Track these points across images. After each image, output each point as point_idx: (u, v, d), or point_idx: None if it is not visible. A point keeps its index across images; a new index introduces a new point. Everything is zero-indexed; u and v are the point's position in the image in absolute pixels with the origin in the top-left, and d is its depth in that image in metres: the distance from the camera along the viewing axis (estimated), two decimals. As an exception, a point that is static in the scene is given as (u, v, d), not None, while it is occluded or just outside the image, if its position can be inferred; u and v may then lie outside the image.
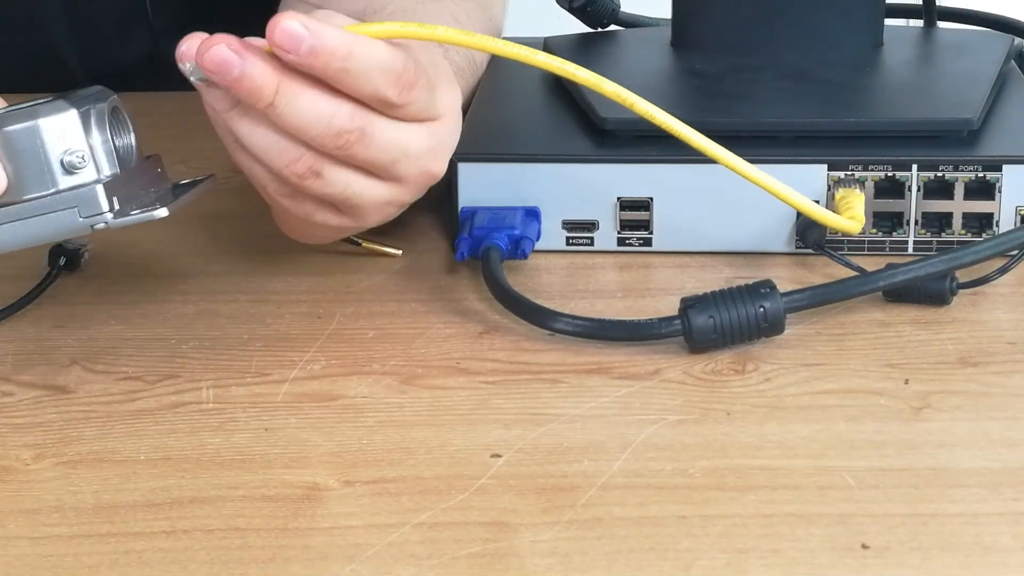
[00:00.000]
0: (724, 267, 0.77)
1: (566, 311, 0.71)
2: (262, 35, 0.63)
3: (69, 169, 0.62)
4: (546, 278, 0.77)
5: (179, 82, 1.11)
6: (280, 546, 0.56)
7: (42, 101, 0.63)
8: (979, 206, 0.77)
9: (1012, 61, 0.89)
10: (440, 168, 0.69)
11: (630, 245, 0.79)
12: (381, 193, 0.68)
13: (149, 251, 0.82)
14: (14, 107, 0.63)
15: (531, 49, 0.66)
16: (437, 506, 0.58)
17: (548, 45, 0.92)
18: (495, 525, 0.57)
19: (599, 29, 0.97)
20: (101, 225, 0.63)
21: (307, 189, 0.66)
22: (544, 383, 0.67)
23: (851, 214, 0.75)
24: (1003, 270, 0.74)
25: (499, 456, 0.61)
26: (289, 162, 0.65)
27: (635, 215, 0.78)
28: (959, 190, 0.76)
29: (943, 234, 0.77)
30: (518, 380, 0.67)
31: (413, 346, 0.70)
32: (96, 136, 0.63)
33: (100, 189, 0.63)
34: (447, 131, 0.69)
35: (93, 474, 0.61)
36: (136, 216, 0.63)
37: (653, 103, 0.85)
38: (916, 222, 0.77)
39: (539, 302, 0.71)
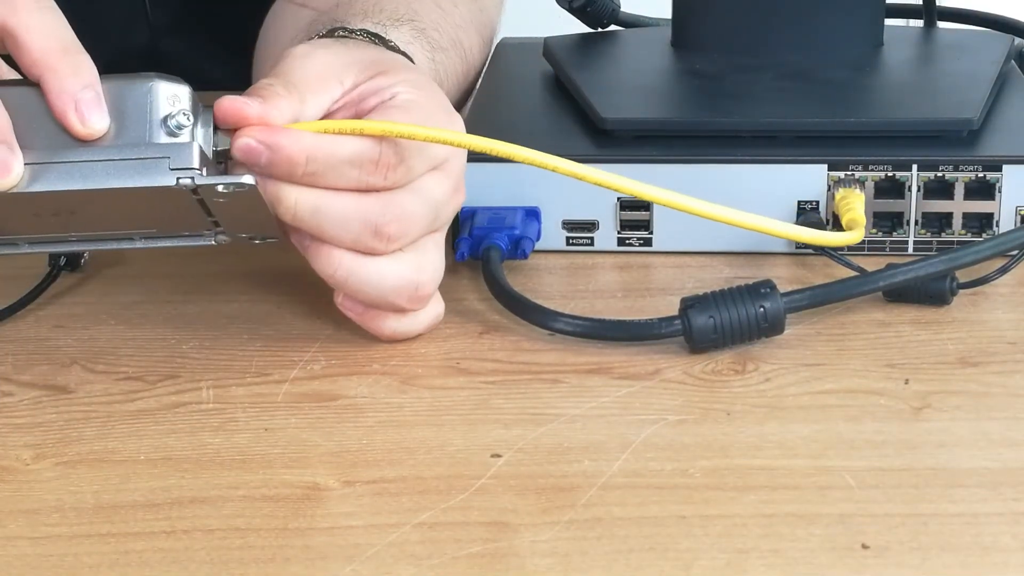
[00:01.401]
0: (724, 267, 0.77)
1: (566, 311, 0.71)
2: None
3: (171, 130, 0.63)
4: (546, 278, 0.77)
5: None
6: (280, 546, 0.56)
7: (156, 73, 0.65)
8: (979, 206, 0.77)
9: (1012, 61, 0.89)
10: (461, 199, 0.70)
11: (630, 245, 0.79)
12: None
13: (149, 251, 0.82)
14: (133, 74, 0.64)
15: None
16: (437, 506, 0.58)
17: (548, 45, 0.92)
18: (495, 525, 0.57)
19: (599, 29, 0.97)
20: (187, 180, 0.62)
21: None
22: (544, 383, 0.67)
23: (851, 216, 0.75)
24: (1003, 270, 0.74)
25: (499, 456, 0.61)
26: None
27: (635, 215, 0.78)
28: (959, 190, 0.76)
29: (943, 234, 0.77)
30: (518, 380, 0.67)
31: (413, 346, 0.70)
32: (200, 124, 0.64)
33: (196, 147, 0.63)
34: (458, 168, 0.69)
35: (93, 474, 0.61)
36: (224, 178, 0.63)
37: (653, 103, 0.85)
38: (916, 222, 0.77)
39: (539, 302, 0.71)
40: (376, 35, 0.76)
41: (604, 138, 0.80)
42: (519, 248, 0.76)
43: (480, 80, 0.90)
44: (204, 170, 0.63)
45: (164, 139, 0.63)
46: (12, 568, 0.55)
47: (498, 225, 0.76)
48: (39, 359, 0.71)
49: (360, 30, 0.76)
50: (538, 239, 0.78)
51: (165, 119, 0.63)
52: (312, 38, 0.75)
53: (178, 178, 0.63)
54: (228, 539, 0.57)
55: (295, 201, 0.65)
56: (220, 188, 0.63)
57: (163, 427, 0.64)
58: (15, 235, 0.66)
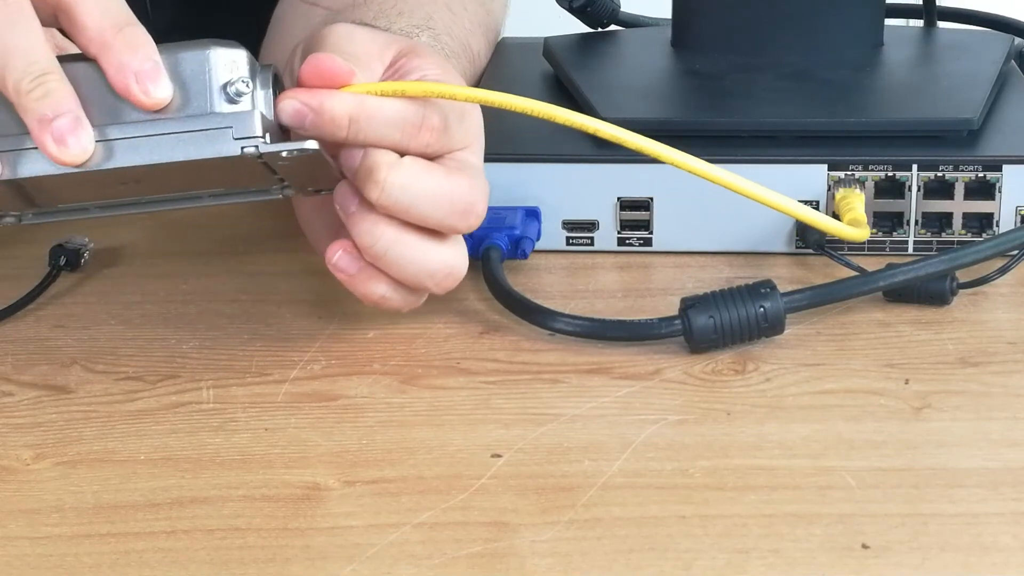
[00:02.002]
0: (724, 267, 0.77)
1: (566, 311, 0.71)
2: (261, 34, 0.64)
3: (231, 97, 0.63)
4: (546, 278, 0.77)
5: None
6: (280, 546, 0.56)
7: (211, 39, 0.64)
8: (979, 206, 0.77)
9: (1012, 61, 0.89)
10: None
11: (630, 245, 0.79)
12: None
13: (149, 251, 0.82)
14: (188, 41, 0.64)
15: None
16: (437, 506, 0.58)
17: (548, 45, 0.92)
18: (495, 525, 0.57)
19: (599, 29, 0.97)
20: (251, 149, 0.62)
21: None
22: (544, 383, 0.67)
23: (852, 216, 0.75)
24: (1003, 270, 0.74)
25: (499, 456, 0.61)
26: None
27: (635, 215, 0.78)
28: (959, 190, 0.76)
29: (943, 234, 0.77)
30: (518, 380, 0.67)
31: (413, 346, 0.70)
32: (259, 86, 0.64)
33: (257, 115, 0.63)
34: (479, 159, 0.70)
35: (93, 474, 0.61)
36: (287, 144, 0.63)
37: (653, 103, 0.85)
38: (916, 222, 0.77)
39: (539, 302, 0.71)
40: (391, 33, 0.76)
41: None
42: (519, 248, 0.76)
43: (480, 80, 0.90)
44: (267, 136, 0.63)
45: (225, 107, 0.63)
46: (12, 568, 0.55)
47: (498, 225, 0.76)
48: (39, 359, 0.71)
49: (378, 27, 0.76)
50: (538, 239, 0.78)
51: (224, 86, 0.63)
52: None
53: (242, 147, 0.63)
54: (228, 539, 0.57)
55: (384, 178, 0.65)
56: (284, 154, 0.63)
57: (163, 427, 0.64)
58: (82, 202, 0.66)
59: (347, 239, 0.67)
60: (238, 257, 0.80)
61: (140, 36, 0.63)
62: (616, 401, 0.65)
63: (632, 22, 0.98)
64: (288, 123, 0.64)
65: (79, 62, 0.63)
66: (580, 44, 0.93)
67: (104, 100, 0.63)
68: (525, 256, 0.76)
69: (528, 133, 0.83)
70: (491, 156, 0.72)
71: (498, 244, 0.75)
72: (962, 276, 0.73)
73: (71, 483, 0.61)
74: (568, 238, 0.79)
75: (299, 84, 0.65)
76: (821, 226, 0.70)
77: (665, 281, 0.76)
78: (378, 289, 0.68)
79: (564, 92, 0.86)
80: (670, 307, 0.70)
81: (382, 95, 0.65)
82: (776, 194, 0.68)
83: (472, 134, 0.69)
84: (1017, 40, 0.91)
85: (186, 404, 0.66)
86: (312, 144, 0.63)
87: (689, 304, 0.69)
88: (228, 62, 0.63)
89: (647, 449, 0.62)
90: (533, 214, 0.78)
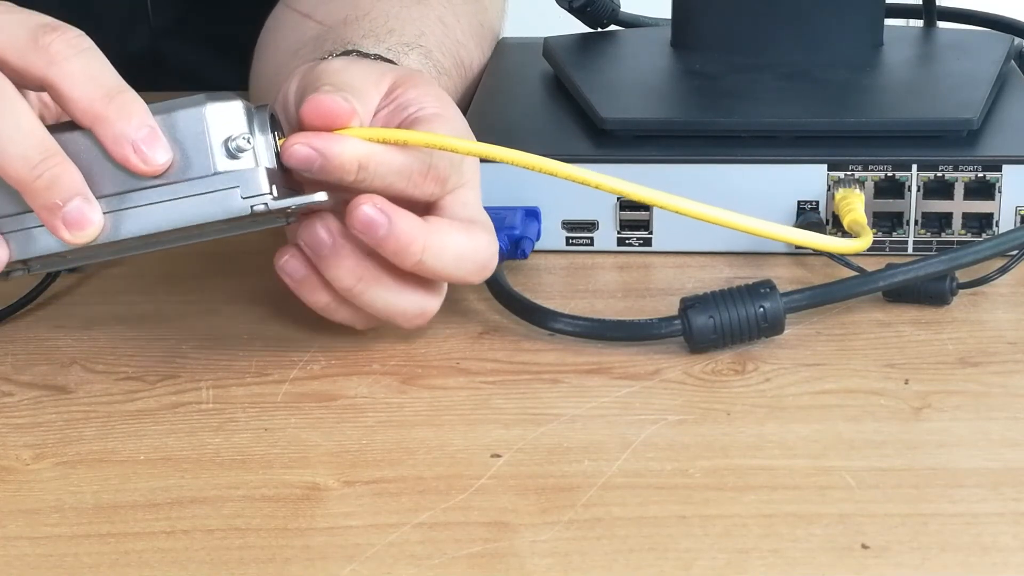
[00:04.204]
0: (724, 267, 0.77)
1: (566, 311, 0.71)
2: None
3: (233, 153, 0.63)
4: (546, 278, 0.77)
5: (179, 81, 1.12)
6: (280, 546, 0.56)
7: (203, 94, 0.64)
8: (979, 206, 0.77)
9: (1012, 61, 0.89)
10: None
11: (630, 245, 0.79)
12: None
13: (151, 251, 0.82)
14: (181, 97, 0.64)
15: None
16: (437, 506, 0.58)
17: (548, 45, 0.92)
18: (495, 525, 0.57)
19: (599, 29, 0.97)
20: (261, 207, 0.63)
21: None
22: (544, 383, 0.67)
23: (853, 216, 0.74)
24: (1003, 270, 0.74)
25: (499, 456, 0.61)
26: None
27: (635, 215, 0.78)
28: (959, 190, 0.76)
29: (943, 234, 0.77)
30: (518, 380, 0.67)
31: (413, 346, 0.70)
32: (258, 132, 0.64)
33: (262, 171, 0.63)
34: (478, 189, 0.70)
35: (93, 474, 0.61)
36: (296, 199, 0.63)
37: (653, 103, 0.85)
38: (916, 222, 0.77)
39: (539, 302, 0.71)
40: (391, 62, 0.76)
41: (604, 138, 0.80)
42: (519, 248, 0.76)
43: (480, 80, 0.90)
44: (274, 188, 0.63)
45: (228, 164, 0.63)
46: (12, 568, 0.55)
47: (498, 225, 0.76)
48: (39, 359, 0.71)
49: (375, 55, 0.76)
50: (538, 239, 0.78)
51: (225, 142, 0.63)
52: (325, 57, 0.76)
53: (252, 205, 0.63)
54: (228, 539, 0.57)
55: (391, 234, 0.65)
56: (292, 207, 0.63)
57: (163, 427, 0.64)
58: (90, 254, 0.66)
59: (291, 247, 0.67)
60: (238, 257, 0.80)
61: (132, 103, 0.62)
62: (616, 401, 0.65)
63: (632, 22, 0.98)
64: (295, 167, 0.64)
65: (75, 131, 0.63)
66: (580, 44, 0.93)
67: (105, 168, 0.63)
68: (525, 256, 0.76)
69: (528, 133, 0.83)
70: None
71: (498, 244, 0.75)
72: (962, 276, 0.73)
73: (71, 483, 0.61)
74: (568, 238, 0.79)
75: (299, 123, 0.65)
76: (814, 246, 0.70)
77: (665, 281, 0.76)
78: (322, 298, 0.68)
79: (564, 92, 0.86)
80: (670, 307, 0.70)
81: (384, 142, 0.65)
82: (766, 224, 0.68)
83: (471, 171, 0.69)
84: (1017, 40, 0.91)
85: (186, 404, 0.66)
86: (321, 196, 0.63)
87: (689, 304, 0.69)
88: (225, 117, 0.63)
89: (647, 449, 0.62)
90: (533, 214, 0.78)
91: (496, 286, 0.73)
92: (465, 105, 0.86)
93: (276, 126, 0.65)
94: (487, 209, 0.77)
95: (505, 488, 0.59)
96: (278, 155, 0.65)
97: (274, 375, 0.68)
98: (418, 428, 0.64)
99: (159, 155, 0.62)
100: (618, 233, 0.79)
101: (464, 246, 0.66)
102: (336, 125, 0.64)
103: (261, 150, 0.64)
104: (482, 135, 0.78)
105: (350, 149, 0.64)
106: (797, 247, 0.77)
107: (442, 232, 0.65)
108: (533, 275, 0.77)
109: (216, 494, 0.59)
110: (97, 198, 0.62)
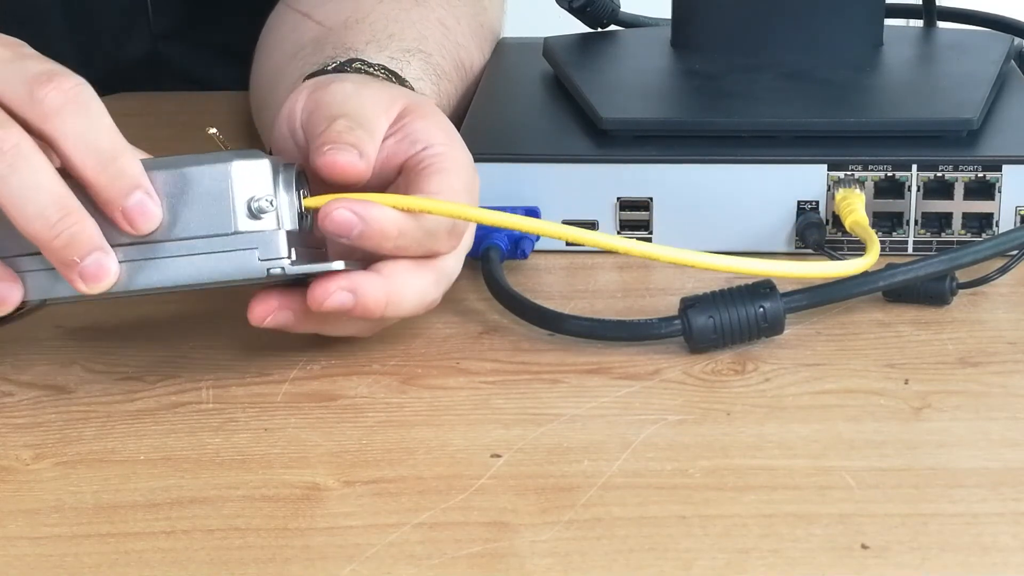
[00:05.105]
0: (724, 267, 0.77)
1: (566, 311, 0.71)
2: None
3: (255, 214, 0.62)
4: (546, 278, 0.77)
5: (179, 82, 1.12)
6: (280, 546, 0.56)
7: (232, 151, 0.64)
8: (979, 206, 0.77)
9: (1012, 61, 0.89)
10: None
11: (630, 245, 0.79)
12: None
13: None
14: (209, 153, 0.64)
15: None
16: (437, 506, 0.58)
17: (548, 45, 0.92)
18: (495, 525, 0.57)
19: (599, 29, 0.97)
20: (277, 271, 0.63)
21: None
22: (544, 383, 0.67)
23: (854, 218, 0.74)
24: (1003, 270, 0.74)
25: (499, 456, 0.61)
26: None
27: (635, 215, 0.78)
28: (959, 190, 0.76)
29: (943, 234, 0.77)
30: (518, 380, 0.67)
31: (413, 346, 0.70)
32: (282, 190, 0.64)
33: (282, 234, 0.63)
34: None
35: (93, 474, 0.61)
36: (313, 267, 0.63)
37: (653, 103, 0.85)
38: (916, 222, 0.77)
39: (539, 302, 0.71)
40: (394, 73, 0.77)
41: (604, 138, 0.80)
42: (519, 248, 0.76)
43: (480, 80, 0.90)
44: (292, 251, 0.63)
45: (249, 225, 0.63)
46: (12, 568, 0.55)
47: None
48: (39, 359, 0.71)
49: (379, 65, 0.76)
50: (538, 239, 0.78)
51: (248, 202, 0.63)
52: (327, 65, 0.76)
53: (268, 269, 0.63)
54: (228, 539, 0.57)
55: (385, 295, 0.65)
56: (308, 275, 0.63)
57: (163, 427, 0.64)
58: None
59: (271, 300, 0.66)
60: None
61: (124, 168, 0.62)
62: (616, 401, 0.65)
63: (632, 22, 0.98)
64: (332, 232, 0.64)
65: None
66: (580, 44, 0.93)
67: None
68: (525, 256, 0.76)
69: (528, 133, 0.83)
70: (491, 156, 0.72)
71: (498, 244, 0.75)
72: (962, 276, 0.73)
73: (71, 483, 0.61)
74: (568, 238, 0.79)
75: (314, 172, 0.65)
76: (825, 276, 0.70)
77: (665, 281, 0.76)
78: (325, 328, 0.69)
79: (564, 92, 0.86)
80: (670, 307, 0.70)
81: (408, 210, 0.64)
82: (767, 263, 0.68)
83: (471, 233, 0.71)
84: (1017, 40, 0.91)
85: (186, 404, 0.66)
86: (339, 265, 0.63)
87: (689, 304, 0.69)
88: (251, 176, 0.63)
89: (647, 449, 0.62)
90: (533, 214, 0.78)
91: (496, 286, 0.73)
92: (465, 105, 0.86)
93: (302, 183, 0.65)
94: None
95: (505, 488, 0.59)
96: (301, 214, 0.64)
97: (274, 375, 0.68)
98: (418, 428, 0.64)
99: (145, 223, 0.62)
100: (618, 233, 0.79)
101: (418, 290, 0.67)
102: (350, 181, 0.65)
103: (284, 211, 0.63)
104: (482, 135, 0.78)
105: (391, 214, 0.64)
106: (796, 245, 0.77)
107: (400, 280, 0.66)
108: (533, 275, 0.77)
109: (216, 494, 0.59)
110: (113, 246, 0.62)
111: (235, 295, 0.76)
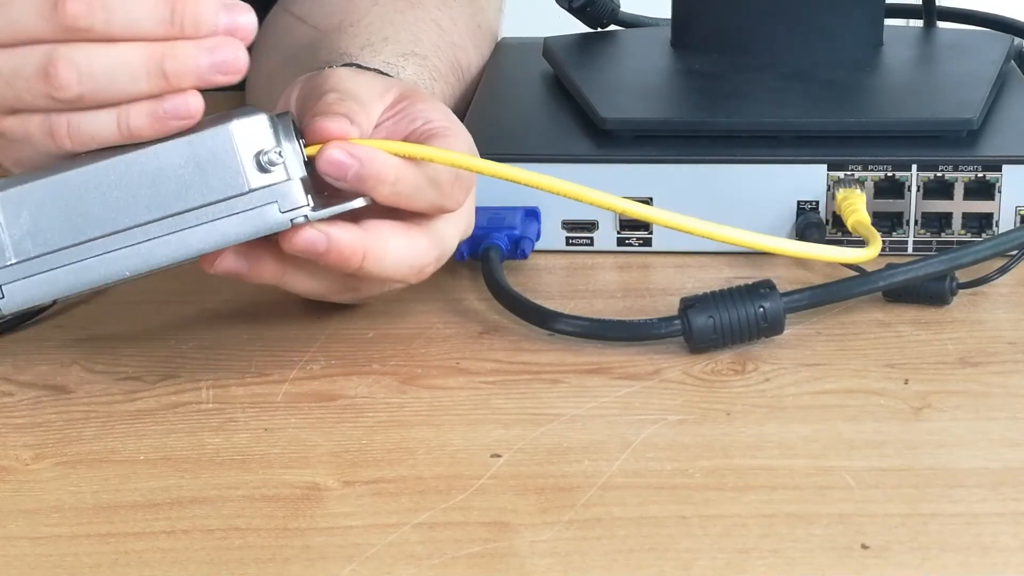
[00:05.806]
0: (724, 267, 0.77)
1: (566, 311, 0.71)
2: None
3: (264, 167, 0.63)
4: (546, 278, 0.77)
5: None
6: (280, 546, 0.56)
7: (227, 111, 0.64)
8: (979, 206, 0.77)
9: (1012, 61, 0.89)
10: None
11: (630, 245, 0.79)
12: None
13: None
14: (204, 118, 0.63)
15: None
16: (437, 506, 0.58)
17: (548, 45, 0.92)
18: (495, 525, 0.57)
19: (599, 29, 0.97)
20: (301, 219, 0.63)
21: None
22: (544, 383, 0.67)
23: (856, 218, 0.74)
24: (1003, 270, 0.74)
25: (499, 456, 0.61)
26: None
27: (635, 215, 0.78)
28: (959, 190, 0.76)
29: (943, 234, 0.77)
30: (518, 380, 0.67)
31: (413, 346, 0.70)
32: (284, 140, 0.64)
33: (296, 183, 0.63)
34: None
35: (93, 474, 0.61)
36: (336, 208, 0.63)
37: (653, 103, 0.85)
38: (916, 222, 0.77)
39: (539, 302, 0.71)
40: (388, 76, 0.77)
41: (604, 138, 0.80)
42: (519, 248, 0.76)
43: (480, 80, 0.90)
44: (310, 197, 0.63)
45: (262, 180, 0.63)
46: (12, 568, 0.55)
47: (498, 225, 0.76)
48: (39, 359, 0.71)
49: (374, 71, 0.76)
50: (538, 239, 0.78)
51: (255, 157, 0.63)
52: (323, 68, 0.76)
53: (292, 219, 0.63)
54: (228, 539, 0.57)
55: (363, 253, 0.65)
56: (332, 216, 0.63)
57: (163, 427, 0.64)
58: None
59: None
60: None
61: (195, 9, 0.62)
62: (616, 401, 0.65)
63: (632, 22, 0.98)
64: (328, 173, 0.64)
65: (109, 159, 0.62)
66: (580, 44, 0.93)
67: (142, 196, 0.62)
68: (525, 256, 0.76)
69: (528, 133, 0.83)
70: (491, 156, 0.72)
71: (498, 244, 0.75)
72: (962, 276, 0.73)
73: (71, 483, 0.61)
74: (568, 238, 0.79)
75: (306, 138, 0.65)
76: (824, 259, 0.71)
77: (665, 281, 0.76)
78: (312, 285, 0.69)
79: (564, 92, 0.86)
80: (670, 307, 0.70)
81: (409, 157, 0.65)
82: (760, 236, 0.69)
83: (471, 212, 0.71)
84: (1017, 40, 0.91)
85: (185, 404, 0.66)
86: (361, 201, 0.64)
87: (689, 304, 0.69)
88: (251, 132, 0.63)
89: (647, 449, 0.62)
90: (533, 214, 0.78)
91: (496, 286, 0.73)
92: (464, 107, 0.86)
93: (298, 131, 0.65)
94: (488, 209, 0.77)
95: (505, 488, 0.59)
96: (305, 162, 0.64)
97: (274, 375, 0.68)
98: (418, 428, 0.64)
99: (248, 33, 0.63)
100: (618, 233, 0.79)
101: (403, 249, 0.66)
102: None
103: (291, 160, 0.63)
104: (482, 135, 0.78)
105: (389, 157, 0.64)
106: (797, 239, 0.77)
107: (382, 237, 0.65)
108: (533, 275, 0.77)
109: (216, 494, 0.59)
110: (134, 227, 0.62)
111: (235, 295, 0.76)
